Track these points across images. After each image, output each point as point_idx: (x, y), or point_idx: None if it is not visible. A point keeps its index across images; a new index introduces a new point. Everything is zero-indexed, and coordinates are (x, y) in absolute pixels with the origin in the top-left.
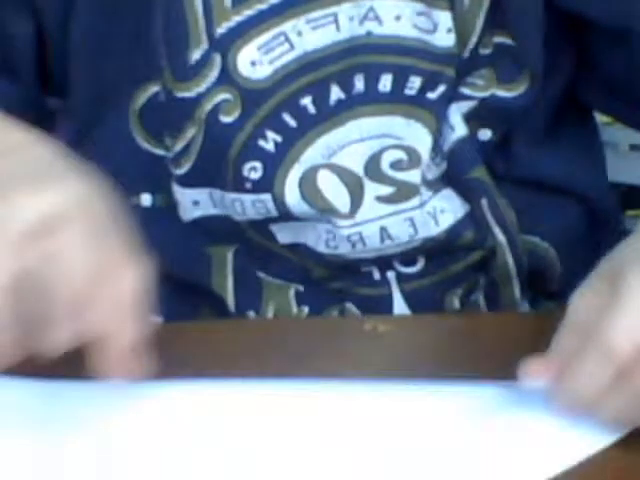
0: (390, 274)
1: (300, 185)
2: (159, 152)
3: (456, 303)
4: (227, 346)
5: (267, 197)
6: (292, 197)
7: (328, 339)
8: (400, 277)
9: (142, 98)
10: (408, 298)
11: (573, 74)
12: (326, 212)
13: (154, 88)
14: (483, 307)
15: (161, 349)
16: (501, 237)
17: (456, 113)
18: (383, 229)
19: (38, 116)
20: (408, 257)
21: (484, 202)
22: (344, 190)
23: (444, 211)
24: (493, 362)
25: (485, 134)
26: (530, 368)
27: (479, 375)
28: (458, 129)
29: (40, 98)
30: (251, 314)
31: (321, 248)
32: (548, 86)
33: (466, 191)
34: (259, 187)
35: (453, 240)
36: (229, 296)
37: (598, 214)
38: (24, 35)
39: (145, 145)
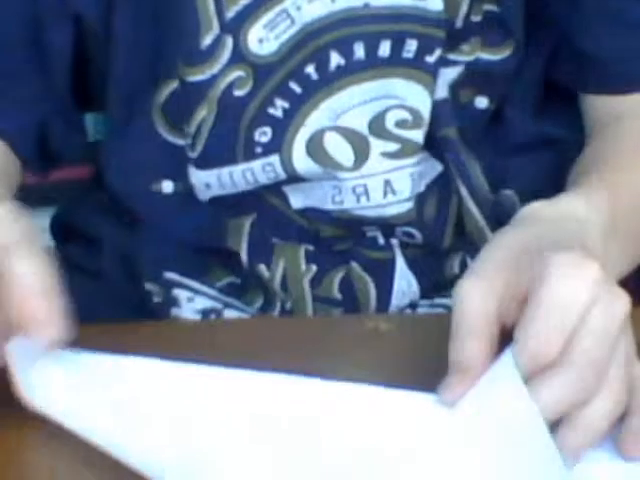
0: (394, 241)
1: (307, 146)
2: (180, 142)
3: (456, 268)
4: (226, 346)
5: (275, 159)
6: (299, 156)
7: (328, 339)
8: (403, 244)
9: (164, 93)
10: (410, 263)
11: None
12: (330, 167)
13: (175, 83)
14: None
15: (158, 345)
16: (464, 191)
17: (441, 77)
18: (387, 182)
19: (71, 129)
20: (407, 225)
21: (450, 157)
22: (349, 148)
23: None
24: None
25: (481, 102)
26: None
27: None
28: (440, 91)
29: (74, 111)
30: (262, 268)
31: (328, 205)
32: (533, 55)
33: (436, 148)
34: (268, 150)
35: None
36: (243, 252)
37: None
38: (63, 44)
39: (168, 137)
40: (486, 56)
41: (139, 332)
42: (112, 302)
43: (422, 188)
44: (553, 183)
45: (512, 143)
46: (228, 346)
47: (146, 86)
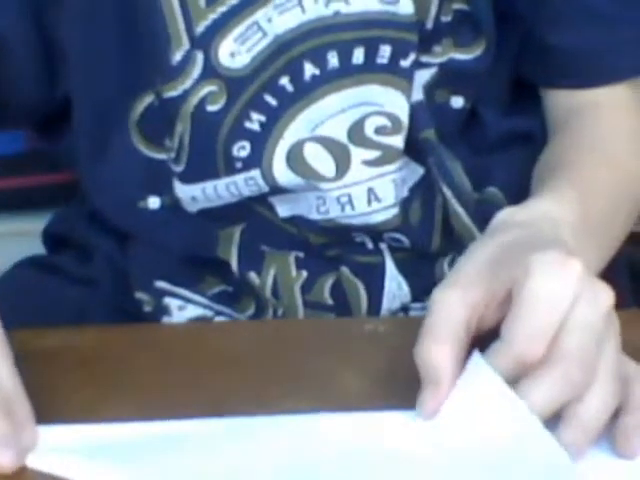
0: (383, 245)
1: (287, 158)
2: (160, 156)
3: (446, 270)
4: (226, 347)
5: (256, 173)
6: (279, 169)
7: (328, 339)
8: (392, 248)
9: (139, 109)
10: (400, 266)
11: None
12: (311, 179)
13: (149, 98)
14: None
15: (163, 348)
16: (448, 192)
17: (415, 79)
18: (370, 190)
19: None
20: (394, 231)
21: (431, 160)
22: (329, 158)
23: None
24: None
25: (457, 102)
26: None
27: None
28: (415, 94)
29: None
30: (253, 275)
31: (314, 215)
32: (503, 52)
33: (416, 152)
34: (248, 164)
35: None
36: (233, 261)
37: None
38: None
39: (147, 152)
40: (459, 56)
41: (130, 335)
42: (104, 311)
43: (406, 193)
44: None
45: (488, 141)
46: (226, 349)
47: (118, 104)
